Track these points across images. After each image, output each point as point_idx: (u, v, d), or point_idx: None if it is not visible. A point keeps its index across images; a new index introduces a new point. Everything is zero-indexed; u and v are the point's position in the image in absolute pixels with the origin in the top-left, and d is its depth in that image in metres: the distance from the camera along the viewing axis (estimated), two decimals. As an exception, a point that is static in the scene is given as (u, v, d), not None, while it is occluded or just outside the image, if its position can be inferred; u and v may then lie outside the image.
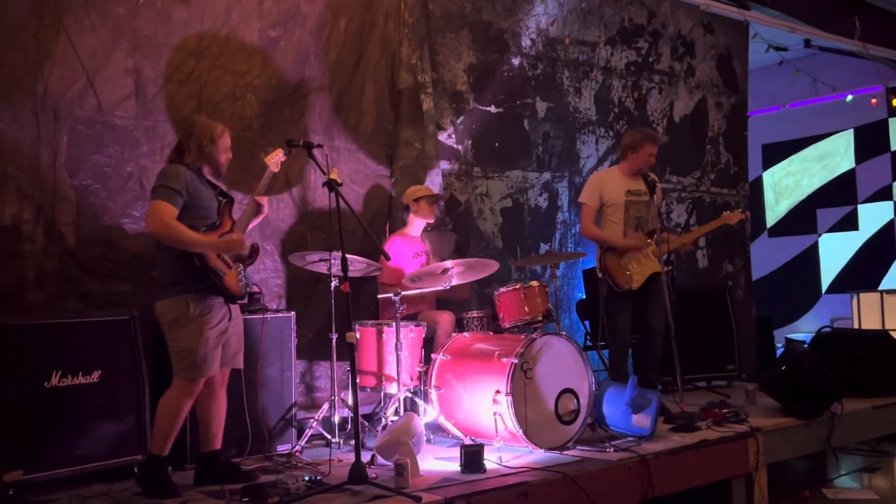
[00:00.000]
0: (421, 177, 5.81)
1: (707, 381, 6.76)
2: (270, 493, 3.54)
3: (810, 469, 5.80)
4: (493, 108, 6.42)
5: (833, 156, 10.63)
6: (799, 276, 10.72)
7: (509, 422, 4.33)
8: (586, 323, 6.53)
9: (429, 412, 4.76)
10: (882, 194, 10.16)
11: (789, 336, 8.35)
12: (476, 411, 4.55)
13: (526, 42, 6.63)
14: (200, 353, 3.80)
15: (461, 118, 6.21)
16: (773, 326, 7.91)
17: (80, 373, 4.00)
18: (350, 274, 4.02)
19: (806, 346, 5.94)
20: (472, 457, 4.03)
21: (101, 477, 4.03)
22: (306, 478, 3.75)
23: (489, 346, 4.71)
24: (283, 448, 4.68)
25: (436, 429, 4.83)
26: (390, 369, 4.76)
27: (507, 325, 5.00)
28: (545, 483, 3.86)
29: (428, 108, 5.92)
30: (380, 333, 4.85)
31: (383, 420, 4.70)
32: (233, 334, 4.03)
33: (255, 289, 4.93)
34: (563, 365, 4.61)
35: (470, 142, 6.27)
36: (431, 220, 5.54)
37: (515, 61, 6.57)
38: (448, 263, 4.85)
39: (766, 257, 10.49)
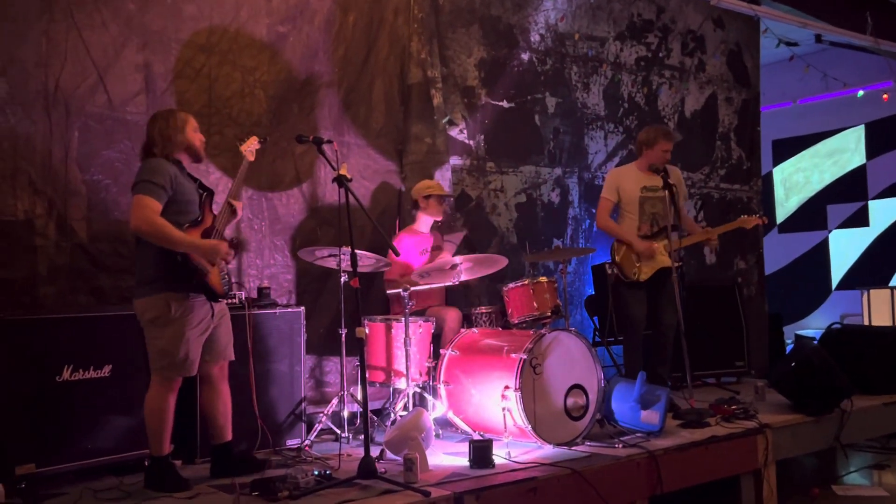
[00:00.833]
0: (431, 172, 5.81)
1: (716, 378, 6.75)
2: (280, 487, 3.55)
3: (820, 466, 5.79)
4: (504, 103, 6.42)
5: (844, 151, 10.58)
6: (809, 272, 10.68)
7: (518, 417, 4.34)
8: (595, 319, 6.52)
9: (437, 407, 4.77)
10: (893, 190, 10.11)
11: (799, 332, 8.31)
12: (485, 406, 4.56)
13: (535, 37, 6.63)
14: (181, 353, 3.77)
15: (473, 113, 6.21)
16: (783, 323, 7.88)
17: (92, 367, 4.03)
18: (359, 269, 4.03)
19: (816, 342, 5.91)
20: (480, 452, 4.04)
21: (112, 470, 4.06)
22: (316, 472, 3.77)
23: (498, 342, 4.71)
24: (292, 443, 4.70)
25: (444, 424, 4.84)
26: (399, 364, 4.78)
27: (516, 321, 5.00)
28: (554, 478, 3.86)
29: (438, 103, 5.92)
30: (389, 329, 4.87)
31: (392, 415, 4.71)
32: (221, 328, 4.01)
33: (265, 284, 4.95)
34: (572, 360, 4.62)
35: (482, 137, 6.27)
36: (440, 218, 5.55)
37: (525, 56, 6.56)
38: (457, 259, 4.86)
39: (777, 253, 10.45)
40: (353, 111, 5.63)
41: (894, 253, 10.03)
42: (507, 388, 4.37)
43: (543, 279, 5.03)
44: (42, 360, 3.88)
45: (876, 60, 9.15)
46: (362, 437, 3.84)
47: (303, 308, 4.91)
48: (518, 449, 4.31)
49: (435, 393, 4.82)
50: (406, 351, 4.68)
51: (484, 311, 5.30)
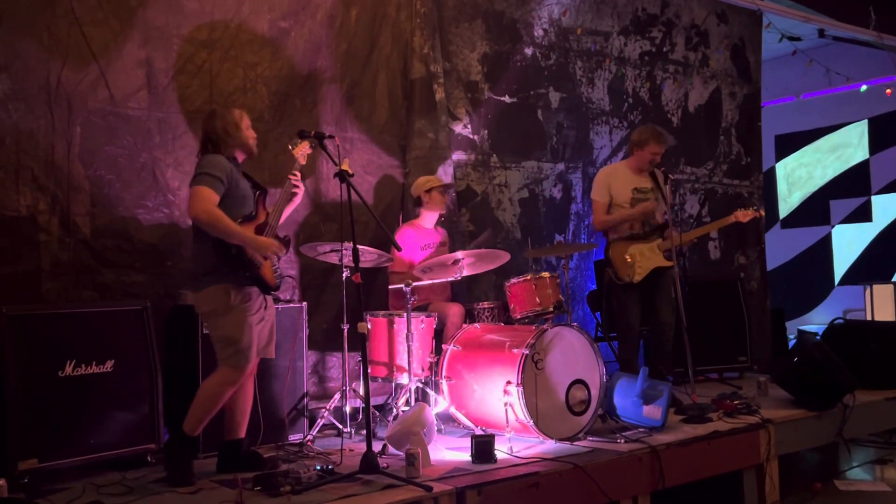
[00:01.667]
0: (434, 167, 5.81)
1: (719, 373, 6.74)
2: (282, 482, 3.56)
3: (822, 461, 5.79)
4: (507, 98, 6.41)
5: (847, 146, 10.55)
6: (812, 267, 10.66)
7: (520, 412, 4.34)
8: (598, 314, 6.52)
9: (440, 402, 4.78)
10: (896, 185, 10.11)
11: (802, 328, 8.33)
12: (487, 402, 4.57)
13: (538, 32, 6.61)
14: (245, 340, 3.83)
15: (477, 108, 6.20)
16: (786, 318, 7.87)
17: (94, 362, 4.04)
18: (361, 264, 4.03)
19: (818, 337, 5.92)
20: (482, 447, 4.04)
21: (115, 465, 4.06)
22: (318, 467, 3.77)
23: (500, 337, 4.71)
24: (294, 438, 4.71)
25: (447, 419, 4.84)
26: (401, 360, 4.78)
27: (518, 316, 5.00)
28: (556, 473, 3.87)
29: (441, 98, 5.92)
30: (391, 324, 4.87)
31: (394, 410, 4.72)
32: (267, 324, 4.06)
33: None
34: (574, 356, 4.62)
35: (486, 132, 6.26)
36: (443, 211, 5.55)
37: (528, 51, 6.55)
38: (458, 254, 4.86)
39: (779, 249, 10.44)
40: (355, 106, 5.62)
41: (897, 248, 10.02)
42: (509, 383, 4.37)
43: (546, 274, 5.03)
44: (45, 354, 3.90)
45: (879, 55, 9.12)
46: (364, 432, 3.84)
47: (305, 303, 4.92)
48: (520, 444, 4.32)
49: (437, 388, 4.83)
50: (408, 346, 4.69)
51: (486, 306, 5.30)
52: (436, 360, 4.87)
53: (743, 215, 5.71)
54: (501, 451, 4.14)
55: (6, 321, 3.80)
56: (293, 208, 4.27)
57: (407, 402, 4.72)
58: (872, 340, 6.07)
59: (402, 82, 5.85)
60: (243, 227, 3.86)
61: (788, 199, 11.08)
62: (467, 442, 4.16)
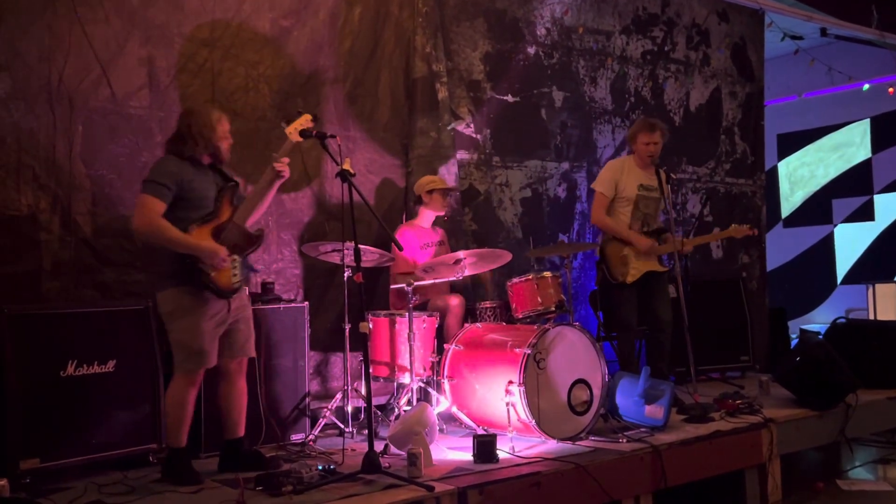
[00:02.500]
0: (437, 166, 5.80)
1: (721, 372, 6.74)
2: (284, 481, 3.56)
3: (824, 460, 5.78)
4: (510, 97, 6.40)
5: (849, 145, 10.54)
6: (814, 266, 10.65)
7: (522, 412, 4.33)
8: (600, 313, 6.51)
9: (441, 402, 4.77)
10: (898, 185, 10.10)
11: (804, 327, 8.31)
12: (489, 401, 4.56)
13: (541, 31, 6.61)
14: (196, 345, 3.80)
15: (479, 107, 6.19)
16: (788, 317, 7.86)
17: (96, 362, 4.04)
18: (363, 264, 4.02)
19: (821, 337, 5.91)
20: (484, 447, 4.04)
21: (117, 465, 4.06)
22: (320, 467, 3.77)
23: (502, 337, 4.71)
24: (296, 437, 4.70)
25: (448, 419, 4.84)
26: (403, 359, 4.77)
27: (520, 316, 5.00)
28: (558, 473, 3.86)
29: (443, 98, 5.91)
30: (392, 324, 4.87)
31: (396, 410, 4.72)
32: (241, 322, 4.02)
33: (270, 279, 4.95)
34: (576, 355, 4.61)
35: (489, 131, 6.25)
36: (443, 213, 5.54)
37: (531, 50, 6.54)
38: (460, 254, 4.86)
39: (782, 248, 10.43)
40: (358, 105, 5.62)
41: (900, 247, 10.01)
42: (510, 382, 4.37)
43: (548, 274, 5.02)
44: (46, 354, 3.90)
45: (882, 54, 9.11)
46: (366, 431, 3.84)
47: (307, 303, 4.91)
48: (522, 444, 4.31)
49: (439, 388, 4.82)
50: (410, 346, 4.68)
51: (488, 305, 5.29)
52: (437, 359, 4.87)
53: (737, 231, 5.70)
54: (503, 450, 4.13)
55: (7, 321, 3.80)
56: (271, 197, 4.13)
57: (409, 402, 4.71)
58: (875, 340, 6.06)
59: (405, 81, 5.84)
60: (199, 230, 3.79)
61: (790, 198, 11.07)
62: (469, 442, 4.16)
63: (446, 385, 4.77)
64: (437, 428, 4.44)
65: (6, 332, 3.79)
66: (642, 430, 4.57)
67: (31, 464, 3.77)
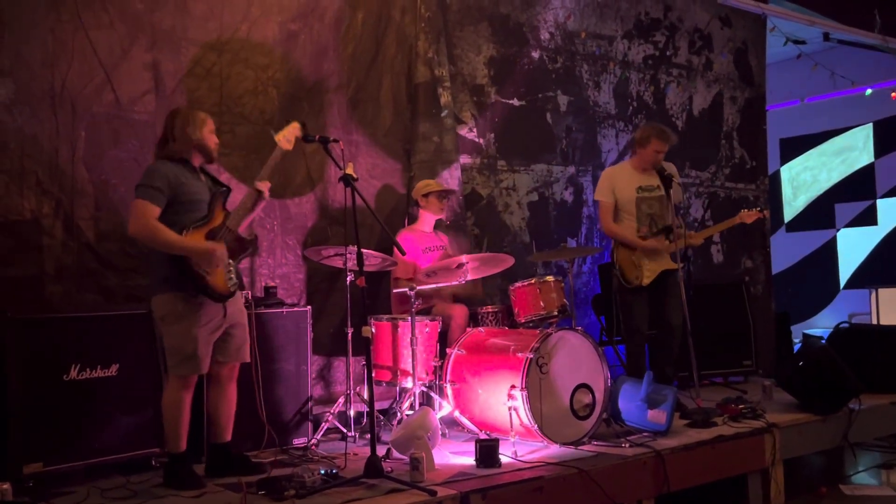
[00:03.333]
0: (439, 171, 5.81)
1: (723, 377, 6.73)
2: (286, 486, 3.56)
3: (827, 465, 5.77)
4: (515, 102, 6.41)
5: (852, 150, 10.53)
6: (817, 271, 10.64)
7: (524, 416, 4.33)
8: (602, 318, 6.51)
9: (444, 406, 4.77)
10: (902, 189, 10.09)
11: (807, 331, 8.28)
12: (491, 406, 4.56)
13: (545, 35, 6.62)
14: (189, 350, 3.80)
15: (483, 111, 6.20)
16: (791, 322, 7.84)
17: (99, 366, 4.04)
18: (366, 268, 4.03)
19: (824, 341, 5.90)
20: (487, 451, 4.04)
21: (119, 469, 4.07)
22: (322, 471, 3.77)
23: (504, 341, 4.71)
24: (299, 442, 4.70)
25: (451, 423, 4.84)
26: (406, 364, 4.77)
27: (523, 320, 4.99)
28: (560, 478, 3.86)
29: (445, 102, 5.92)
30: (395, 328, 4.87)
31: (399, 414, 4.72)
32: (236, 328, 4.02)
33: (273, 283, 4.95)
34: (579, 360, 4.61)
35: (493, 135, 6.25)
36: (441, 216, 5.54)
37: (535, 54, 6.55)
38: (463, 258, 4.86)
39: (784, 252, 10.41)
40: (361, 110, 5.62)
41: (902, 252, 10.00)
42: (513, 387, 4.37)
43: (550, 278, 5.02)
44: (49, 358, 3.90)
45: (884, 58, 9.11)
46: (369, 436, 3.84)
47: (309, 307, 4.91)
48: (524, 448, 4.31)
49: (441, 392, 4.82)
50: (412, 350, 4.68)
51: (490, 310, 5.29)
52: (440, 363, 4.87)
53: (748, 216, 5.69)
54: (506, 455, 4.13)
55: (11, 325, 3.81)
56: (257, 212, 4.13)
57: (411, 406, 4.71)
58: (878, 344, 6.06)
59: (407, 86, 5.85)
60: (193, 233, 3.79)
61: (793, 202, 11.07)
62: (471, 446, 4.16)
63: (449, 389, 4.77)
64: (440, 432, 4.44)
65: (9, 336, 3.80)
66: (645, 434, 4.56)
67: (34, 468, 3.77)
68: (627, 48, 7.18)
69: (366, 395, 4.23)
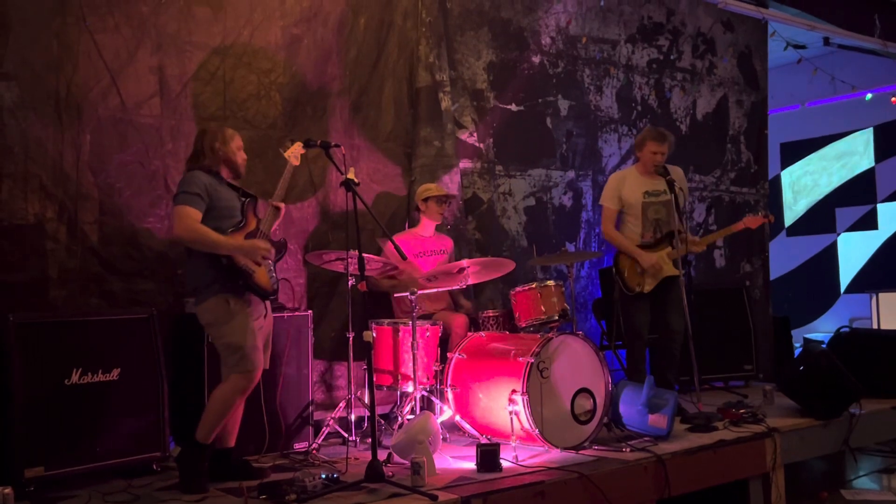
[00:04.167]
0: (440, 175, 5.82)
1: (724, 381, 6.73)
2: (287, 490, 3.57)
3: (829, 470, 5.78)
4: (514, 107, 6.42)
5: (852, 154, 10.54)
6: (817, 275, 10.65)
7: (525, 421, 4.34)
8: (603, 322, 6.52)
9: (445, 411, 4.78)
10: (902, 193, 10.10)
11: (807, 336, 8.31)
12: (492, 410, 4.57)
13: (546, 40, 6.62)
14: (248, 344, 3.85)
15: (482, 116, 6.21)
16: (792, 326, 7.85)
17: (101, 370, 4.05)
18: (367, 273, 4.03)
19: (824, 345, 5.90)
20: (488, 456, 4.04)
21: (121, 473, 4.08)
22: (323, 476, 3.78)
23: (505, 346, 4.72)
24: (300, 446, 4.71)
25: (452, 428, 4.84)
26: (407, 368, 4.78)
27: (523, 325, 5.00)
28: (561, 482, 3.87)
29: (446, 107, 5.93)
30: (396, 332, 4.87)
31: (400, 419, 4.72)
32: (263, 332, 4.07)
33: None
34: (580, 364, 4.62)
35: (492, 140, 6.26)
36: (439, 222, 5.55)
37: (536, 59, 6.56)
38: (464, 263, 4.87)
39: (785, 256, 10.43)
40: (363, 114, 5.63)
41: (903, 256, 10.01)
42: (514, 391, 4.38)
43: (551, 283, 5.03)
44: (51, 362, 3.91)
45: (884, 63, 9.12)
46: (370, 440, 3.85)
47: (310, 311, 4.92)
48: (525, 453, 4.32)
49: (442, 396, 4.83)
50: (413, 354, 4.69)
51: (491, 314, 5.29)
52: (441, 368, 4.88)
53: (753, 221, 5.68)
54: (506, 459, 4.14)
55: (13, 329, 3.82)
56: (280, 220, 4.27)
57: (412, 411, 4.71)
58: (878, 349, 6.06)
59: (408, 91, 5.86)
60: (233, 236, 3.90)
61: (794, 206, 11.07)
62: (472, 451, 4.16)
63: (449, 394, 4.78)
64: (441, 437, 4.44)
65: (12, 340, 3.81)
66: (646, 439, 4.57)
67: (35, 472, 3.77)
68: (631, 52, 7.19)
69: (367, 400, 4.23)
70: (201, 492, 3.77)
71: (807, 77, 8.48)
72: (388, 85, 5.77)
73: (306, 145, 4.24)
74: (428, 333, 4.88)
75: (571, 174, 6.76)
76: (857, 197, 10.43)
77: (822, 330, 9.87)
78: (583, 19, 6.84)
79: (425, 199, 5.45)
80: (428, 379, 4.85)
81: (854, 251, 10.44)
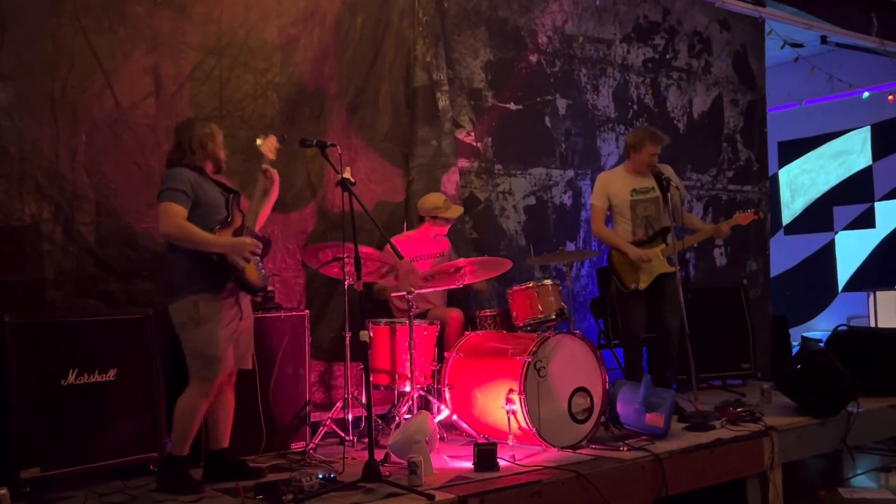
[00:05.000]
0: (437, 175, 5.81)
1: (722, 380, 6.73)
2: (284, 490, 3.57)
3: (826, 468, 5.78)
4: (512, 106, 6.41)
5: (849, 153, 10.55)
6: (815, 274, 10.65)
7: (522, 420, 4.34)
8: (600, 321, 6.52)
9: (442, 410, 4.78)
10: (899, 192, 10.10)
11: (805, 334, 8.31)
12: (489, 410, 4.57)
13: (542, 39, 6.62)
14: (212, 353, 3.82)
15: (480, 116, 6.21)
16: (789, 325, 7.85)
17: (97, 371, 4.04)
18: (364, 275, 4.03)
19: (822, 344, 5.90)
20: (485, 455, 4.04)
21: (117, 474, 4.07)
22: (320, 475, 3.78)
23: (502, 345, 4.72)
24: (297, 446, 4.71)
25: (449, 427, 4.84)
26: (404, 368, 4.78)
27: (521, 324, 4.99)
28: (558, 482, 3.87)
29: (444, 106, 5.92)
30: (393, 332, 4.87)
31: (397, 418, 4.72)
32: (242, 334, 4.04)
33: (270, 287, 4.95)
34: (577, 363, 4.62)
35: (490, 139, 6.26)
36: (444, 232, 5.54)
37: (533, 58, 6.56)
38: (461, 262, 4.87)
39: (783, 255, 10.42)
40: (360, 114, 5.63)
41: (901, 255, 10.01)
42: (511, 391, 4.38)
43: (548, 282, 5.02)
44: (47, 363, 3.90)
45: (882, 61, 9.11)
46: (367, 440, 3.84)
47: (307, 311, 4.92)
48: (522, 452, 4.31)
49: (439, 396, 4.83)
50: (410, 354, 4.68)
51: (488, 313, 5.29)
52: (438, 367, 4.87)
53: (742, 218, 5.67)
54: (504, 459, 4.13)
55: (9, 330, 3.82)
56: (272, 204, 4.20)
57: (409, 411, 4.71)
58: (876, 347, 6.06)
59: (405, 90, 5.86)
60: (220, 233, 3.86)
61: (791, 205, 11.08)
62: (469, 450, 4.17)
63: (447, 393, 4.78)
64: (438, 436, 4.44)
65: (9, 341, 3.81)
66: (643, 438, 4.57)
67: (31, 473, 3.77)
68: (627, 51, 7.19)
69: (364, 400, 4.23)
70: (196, 492, 3.76)
71: (804, 76, 8.49)
72: (385, 85, 5.76)
73: (302, 145, 4.23)
74: (425, 333, 4.88)
75: (571, 173, 6.76)
76: (854, 195, 10.43)
77: (819, 328, 9.87)
78: (579, 18, 6.84)
79: (434, 217, 5.42)
80: (425, 378, 4.85)
81: (852, 249, 10.44)
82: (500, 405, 4.41)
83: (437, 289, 5.05)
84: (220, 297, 3.85)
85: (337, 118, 5.50)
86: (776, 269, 9.38)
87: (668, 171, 5.56)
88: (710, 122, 7.80)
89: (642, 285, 5.43)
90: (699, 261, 7.44)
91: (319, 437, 4.74)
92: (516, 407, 4.35)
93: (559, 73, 6.72)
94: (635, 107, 7.23)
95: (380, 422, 4.89)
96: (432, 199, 5.48)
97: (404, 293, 4.77)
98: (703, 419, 4.92)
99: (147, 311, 4.31)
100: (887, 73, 9.18)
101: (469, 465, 4.10)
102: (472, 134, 6.16)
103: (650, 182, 5.46)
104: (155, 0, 4.77)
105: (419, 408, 4.74)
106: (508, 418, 4.35)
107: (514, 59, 6.43)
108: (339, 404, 4.81)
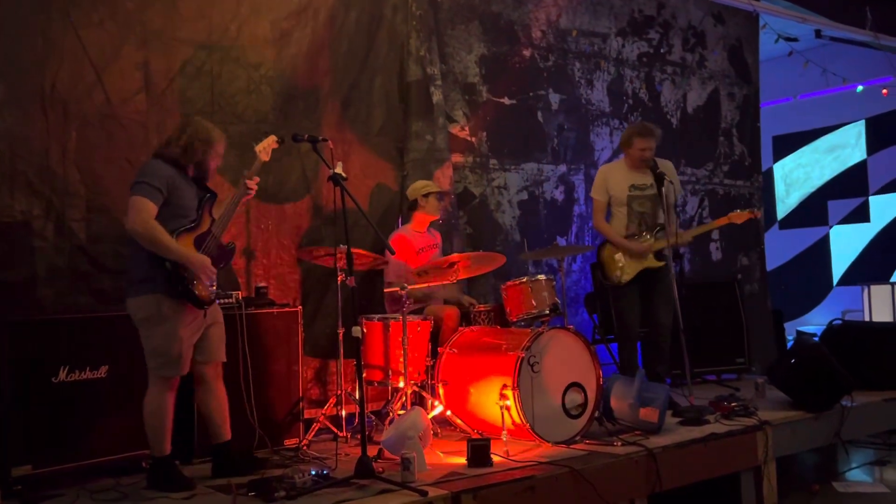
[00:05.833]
0: (432, 170, 5.80)
1: (716, 375, 6.74)
2: (277, 486, 3.55)
3: (820, 462, 5.78)
4: (506, 100, 6.40)
5: (844, 147, 10.56)
6: (810, 268, 10.67)
7: (516, 415, 4.33)
8: (594, 316, 6.51)
9: (436, 406, 4.77)
10: (894, 186, 10.09)
11: (800, 329, 8.31)
12: (483, 405, 4.56)
13: (536, 33, 6.61)
14: (174, 352, 3.78)
15: (474, 110, 6.19)
16: (784, 319, 7.87)
17: (88, 368, 4.02)
18: (357, 268, 4.01)
19: (816, 338, 5.90)
20: (478, 451, 4.03)
21: (109, 471, 4.05)
22: (313, 472, 3.76)
23: (496, 340, 4.71)
24: (290, 442, 4.69)
25: (443, 423, 4.84)
26: (397, 364, 4.76)
27: (514, 319, 4.99)
28: (552, 477, 3.86)
29: (438, 101, 5.91)
30: (386, 328, 4.85)
31: (390, 414, 4.71)
32: (214, 327, 4.00)
33: (268, 283, 4.94)
34: (571, 358, 4.61)
35: (485, 134, 6.25)
36: (437, 217, 5.53)
37: (527, 53, 6.55)
38: (454, 257, 4.85)
39: (777, 249, 10.43)
40: (354, 109, 5.62)
41: (895, 249, 10.01)
42: (505, 386, 4.37)
43: (541, 277, 5.02)
44: (38, 361, 3.88)
45: (875, 55, 9.13)
46: (360, 436, 3.83)
47: (300, 307, 4.90)
48: (516, 447, 4.30)
49: (433, 392, 4.82)
50: (404, 350, 4.67)
51: (482, 309, 5.29)
52: (432, 363, 4.86)
53: (738, 216, 5.65)
54: (497, 454, 4.12)
55: (1, 328, 3.79)
56: (247, 200, 4.18)
57: (403, 407, 4.70)
58: (870, 341, 6.07)
59: (399, 85, 5.84)
60: (182, 238, 3.78)
61: (786, 199, 11.09)
62: (463, 446, 4.15)
63: (440, 389, 4.76)
64: (431, 432, 4.43)
65: (0, 339, 3.78)
66: (637, 433, 4.56)
67: (22, 471, 3.75)
68: (621, 45, 7.18)
69: (357, 396, 4.22)
70: (188, 489, 3.75)
71: (798, 69, 8.51)
72: (378, 79, 5.75)
73: (294, 140, 4.20)
74: (419, 329, 4.87)
75: (563, 168, 6.75)
76: (849, 189, 10.45)
77: (814, 322, 9.89)
78: (573, 12, 6.83)
79: (426, 195, 5.41)
80: (419, 374, 4.84)
81: (846, 244, 10.46)
82: (494, 401, 4.40)
83: (432, 284, 5.03)
84: (180, 298, 3.78)
85: (331, 113, 5.49)
86: (771, 263, 9.39)
87: (667, 167, 5.53)
88: (706, 116, 7.79)
89: (624, 279, 5.41)
90: (694, 255, 7.44)
91: (313, 433, 4.73)
92: (510, 402, 4.34)
93: (552, 67, 6.71)
94: (630, 101, 7.23)
95: (373, 418, 4.88)
96: (421, 181, 5.50)
97: (396, 289, 4.76)
98: (697, 414, 4.92)
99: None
100: (881, 66, 9.19)
101: (463, 460, 4.08)
102: (467, 129, 6.15)
103: (649, 179, 5.42)
104: (145, -6, 4.76)
105: (413, 404, 4.73)
106: (502, 414, 4.34)
107: (508, 53, 6.42)
108: (332, 400, 4.80)
